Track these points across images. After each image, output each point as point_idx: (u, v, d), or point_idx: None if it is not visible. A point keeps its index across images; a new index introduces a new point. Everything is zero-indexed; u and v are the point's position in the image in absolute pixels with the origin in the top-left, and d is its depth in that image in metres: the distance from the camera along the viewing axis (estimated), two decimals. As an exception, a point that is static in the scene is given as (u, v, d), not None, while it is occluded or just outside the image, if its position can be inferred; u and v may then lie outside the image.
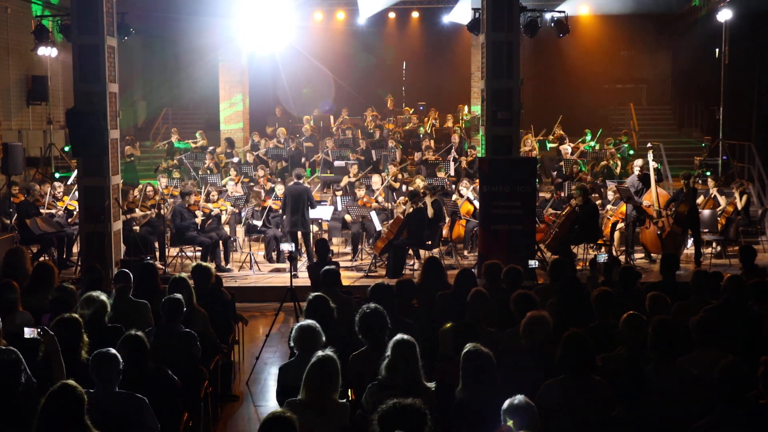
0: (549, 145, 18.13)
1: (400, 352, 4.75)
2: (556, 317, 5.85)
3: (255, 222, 12.85)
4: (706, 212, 13.03)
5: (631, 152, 17.59)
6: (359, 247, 12.92)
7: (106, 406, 4.53)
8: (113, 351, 4.80)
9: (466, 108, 20.49)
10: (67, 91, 18.13)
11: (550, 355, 4.90)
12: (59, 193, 13.35)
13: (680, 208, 11.98)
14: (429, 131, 19.11)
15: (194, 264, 7.99)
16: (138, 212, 12.51)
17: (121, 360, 4.80)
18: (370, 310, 5.53)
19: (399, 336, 4.86)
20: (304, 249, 12.32)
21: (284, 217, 12.36)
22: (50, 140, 18.13)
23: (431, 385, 4.81)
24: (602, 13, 20.73)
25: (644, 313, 5.60)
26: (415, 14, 22.13)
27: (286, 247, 9.64)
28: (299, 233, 12.23)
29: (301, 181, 12.44)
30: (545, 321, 5.32)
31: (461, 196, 13.30)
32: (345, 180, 15.02)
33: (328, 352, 4.70)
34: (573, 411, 4.54)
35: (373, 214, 12.70)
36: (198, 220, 12.19)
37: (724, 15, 16.95)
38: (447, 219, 12.61)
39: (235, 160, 16.83)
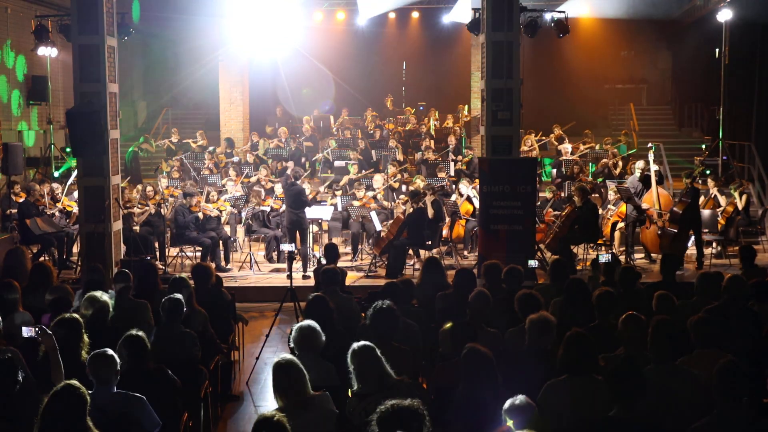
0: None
1: (361, 360, 4.65)
2: (560, 317, 5.84)
3: (261, 209, 12.91)
4: (706, 212, 13.02)
5: (632, 151, 17.58)
6: (359, 247, 12.92)
7: (105, 406, 4.54)
8: (110, 352, 4.82)
9: (466, 108, 20.47)
10: (67, 91, 18.13)
11: (552, 355, 4.90)
12: (59, 194, 13.35)
13: (676, 207, 11.99)
14: (431, 132, 19.09)
15: (194, 264, 7.99)
16: (136, 210, 12.51)
17: (118, 361, 4.81)
18: (385, 306, 5.51)
19: (354, 345, 4.74)
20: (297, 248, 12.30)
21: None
22: (50, 140, 18.13)
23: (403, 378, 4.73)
24: (602, 12, 20.69)
25: (644, 313, 5.60)
26: (415, 14, 22.11)
27: (286, 247, 9.65)
28: (297, 232, 12.21)
29: (297, 182, 12.44)
30: (552, 324, 5.31)
31: (461, 195, 13.30)
32: (345, 180, 15.02)
33: (285, 355, 4.65)
34: (575, 411, 4.54)
35: (373, 214, 12.69)
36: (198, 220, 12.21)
37: (724, 15, 16.94)
38: (447, 219, 12.60)
39: (235, 159, 16.83)
